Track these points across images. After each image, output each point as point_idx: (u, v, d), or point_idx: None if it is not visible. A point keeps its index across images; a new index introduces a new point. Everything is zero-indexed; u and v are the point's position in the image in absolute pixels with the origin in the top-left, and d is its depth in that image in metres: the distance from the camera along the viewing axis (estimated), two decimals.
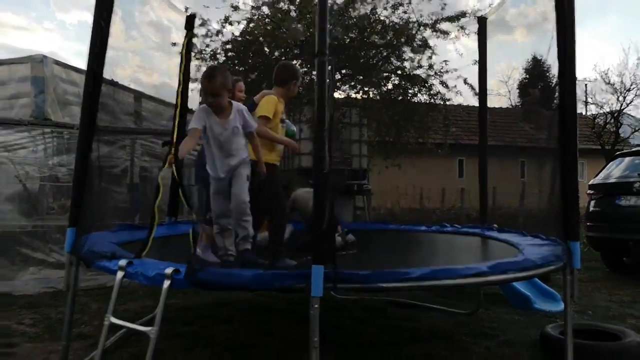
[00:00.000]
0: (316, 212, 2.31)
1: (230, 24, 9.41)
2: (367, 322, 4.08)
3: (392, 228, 5.16)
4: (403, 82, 9.91)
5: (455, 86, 9.89)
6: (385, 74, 9.94)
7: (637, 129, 16.22)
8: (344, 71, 9.79)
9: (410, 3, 9.32)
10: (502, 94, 19.81)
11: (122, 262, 2.64)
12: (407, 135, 10.36)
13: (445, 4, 9.28)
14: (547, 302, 4.66)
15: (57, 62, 5.43)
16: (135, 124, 5.67)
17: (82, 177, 3.14)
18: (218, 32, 9.48)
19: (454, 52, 17.38)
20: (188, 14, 4.52)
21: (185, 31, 4.35)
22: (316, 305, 2.25)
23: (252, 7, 9.41)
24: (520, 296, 4.65)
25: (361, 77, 9.67)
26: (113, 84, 4.47)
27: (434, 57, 9.81)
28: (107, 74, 3.30)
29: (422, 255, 3.61)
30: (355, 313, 4.32)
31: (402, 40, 9.29)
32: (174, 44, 9.51)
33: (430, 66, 9.71)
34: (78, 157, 3.19)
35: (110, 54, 3.25)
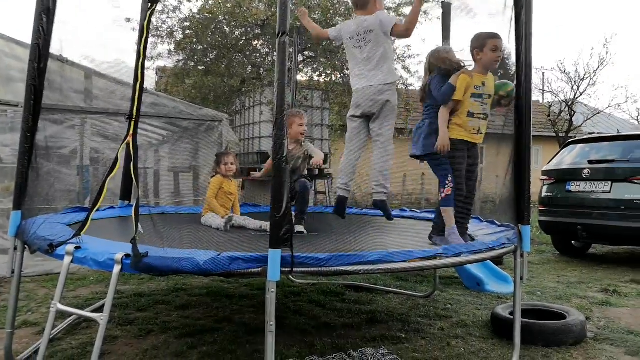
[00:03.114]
0: (274, 197, 2.27)
1: (189, 0, 9.15)
2: (325, 305, 4.11)
3: (352, 212, 5.18)
4: None
5: (417, 71, 9.98)
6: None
7: (589, 117, 16.88)
8: (306, 53, 9.71)
9: None
10: None
11: (70, 247, 2.54)
12: None
13: None
14: (499, 284, 4.82)
15: (0, 36, 5.11)
16: (86, 102, 5.42)
17: (28, 158, 2.98)
18: (175, 9, 9.21)
19: (417, 37, 17.51)
20: None
21: (148, 4, 4.16)
22: (272, 290, 2.23)
23: None
24: (474, 278, 4.79)
25: (324, 60, 9.61)
26: (61, 60, 4.26)
27: (396, 41, 9.86)
28: (54, 49, 3.13)
29: (380, 239, 3.64)
30: (314, 297, 4.34)
31: None
32: (128, 20, 9.24)
33: (393, 50, 9.76)
34: (22, 137, 3.02)
35: (57, 27, 3.08)
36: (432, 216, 4.59)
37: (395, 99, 3.22)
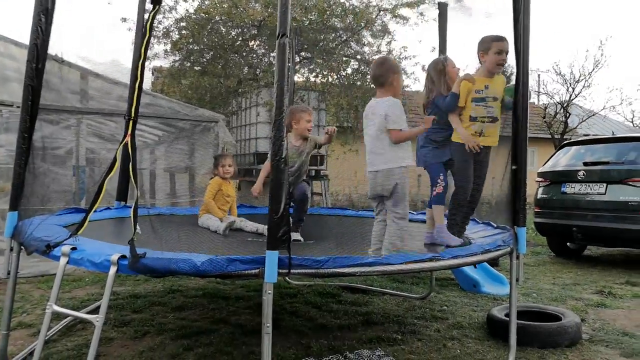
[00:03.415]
0: (272, 198, 2.27)
1: (185, 0, 9.15)
2: (321, 307, 4.11)
3: (349, 214, 5.19)
4: (362, 67, 9.94)
5: (414, 72, 10.03)
6: (344, 58, 9.93)
7: (584, 119, 16.97)
8: (303, 54, 9.72)
9: None
10: None
11: (66, 248, 2.53)
12: None
13: None
14: (494, 285, 4.84)
15: None
16: (81, 103, 5.39)
17: (25, 158, 2.97)
18: (171, 9, 9.21)
19: (413, 39, 17.57)
20: None
21: (151, 5, 4.15)
22: (269, 291, 2.23)
23: None
24: (469, 280, 4.81)
25: (320, 61, 9.62)
26: (57, 60, 4.24)
27: (393, 42, 9.90)
28: (51, 49, 3.12)
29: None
30: (310, 299, 4.33)
31: (362, 24, 9.29)
32: (124, 20, 9.22)
33: (389, 52, 9.79)
34: (20, 138, 3.00)
35: (55, 28, 3.07)
36: (425, 218, 4.62)
37: (405, 182, 3.08)
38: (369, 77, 3.45)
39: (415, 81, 10.48)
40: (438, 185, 3.24)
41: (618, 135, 7.17)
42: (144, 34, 3.88)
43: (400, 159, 3.05)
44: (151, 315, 3.78)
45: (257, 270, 2.28)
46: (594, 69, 16.13)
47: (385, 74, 3.11)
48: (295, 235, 3.46)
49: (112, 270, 2.34)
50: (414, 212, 4.94)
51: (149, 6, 4.12)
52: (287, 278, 4.55)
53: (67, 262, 2.51)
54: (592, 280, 5.41)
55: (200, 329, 3.44)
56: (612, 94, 30.89)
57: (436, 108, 3.31)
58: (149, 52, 9.49)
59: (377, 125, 3.04)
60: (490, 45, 3.21)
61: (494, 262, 5.52)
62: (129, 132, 3.21)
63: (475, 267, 4.80)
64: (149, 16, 3.94)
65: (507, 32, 3.07)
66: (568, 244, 7.04)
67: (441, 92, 3.29)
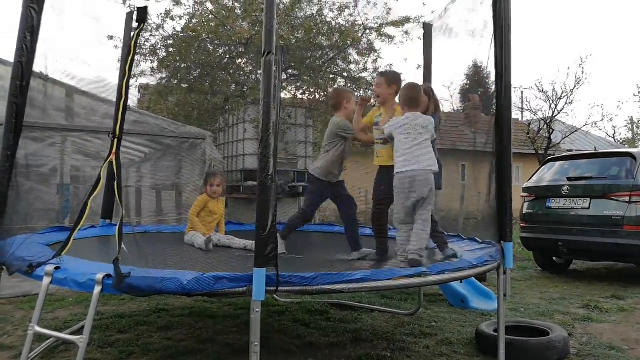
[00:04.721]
0: (259, 215, 2.27)
1: (172, 18, 9.20)
2: (309, 324, 4.07)
3: (337, 230, 5.18)
4: (349, 84, 10.02)
5: None
6: (331, 76, 10.02)
7: (567, 135, 17.25)
8: (290, 71, 9.78)
9: (356, 6, 9.48)
10: (445, 98, 20.55)
11: (49, 268, 2.49)
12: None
13: (390, 9, 9.51)
14: (483, 301, 4.84)
15: None
16: (67, 120, 5.35)
17: (7, 177, 2.93)
18: (158, 27, 9.23)
19: (399, 57, 17.86)
20: (140, 6, 4.33)
21: (137, 23, 4.17)
22: (257, 310, 2.22)
23: (195, 2, 9.21)
24: (458, 295, 4.81)
25: (307, 78, 9.69)
26: (43, 77, 4.21)
27: (379, 60, 10.02)
28: (36, 67, 3.11)
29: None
30: (299, 316, 4.29)
31: (348, 42, 9.40)
32: (111, 37, 9.21)
33: (376, 70, 9.89)
34: (3, 156, 2.97)
35: (40, 45, 3.06)
36: None
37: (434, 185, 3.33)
38: (399, 98, 3.57)
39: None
40: None
41: (600, 151, 7.30)
42: (129, 51, 3.89)
43: (433, 164, 3.28)
44: (136, 335, 3.71)
45: (244, 288, 2.26)
46: (575, 86, 16.43)
47: (418, 94, 3.40)
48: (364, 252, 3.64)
49: (97, 289, 2.30)
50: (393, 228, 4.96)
51: (135, 24, 4.13)
52: (275, 295, 4.52)
53: (51, 282, 2.47)
54: (579, 294, 5.45)
55: (187, 349, 3.38)
56: (593, 110, 31.57)
57: None
58: (136, 69, 9.50)
59: (426, 136, 3.30)
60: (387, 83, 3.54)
61: (481, 278, 5.54)
62: (114, 150, 3.19)
63: (462, 282, 4.80)
64: (134, 34, 3.96)
65: (490, 50, 3.14)
66: (554, 258, 7.09)
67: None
